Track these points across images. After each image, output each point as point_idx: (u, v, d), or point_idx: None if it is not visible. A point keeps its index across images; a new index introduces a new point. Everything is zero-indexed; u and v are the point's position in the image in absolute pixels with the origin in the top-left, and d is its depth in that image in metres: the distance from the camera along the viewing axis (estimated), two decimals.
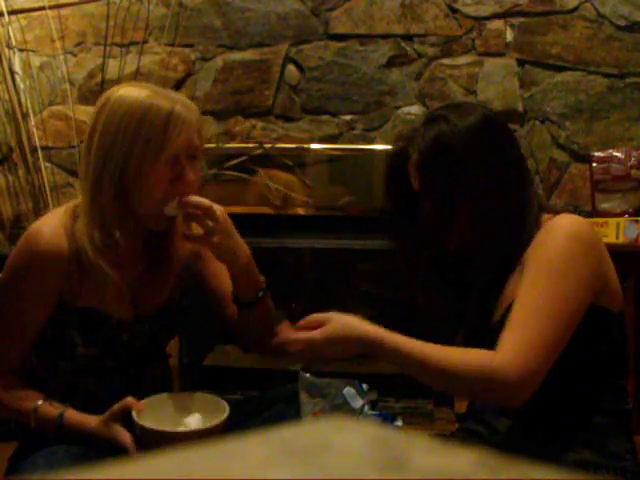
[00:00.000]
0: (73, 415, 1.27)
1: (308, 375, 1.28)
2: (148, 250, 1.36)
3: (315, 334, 1.17)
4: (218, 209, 1.27)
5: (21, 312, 1.31)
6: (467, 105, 1.50)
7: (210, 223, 1.25)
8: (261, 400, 1.43)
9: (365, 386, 1.31)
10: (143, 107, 1.23)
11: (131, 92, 1.26)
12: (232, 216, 2.66)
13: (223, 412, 1.24)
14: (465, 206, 1.21)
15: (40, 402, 1.28)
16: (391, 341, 1.14)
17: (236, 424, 1.32)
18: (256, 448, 0.37)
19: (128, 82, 1.37)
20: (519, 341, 1.09)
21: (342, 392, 1.28)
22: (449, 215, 1.22)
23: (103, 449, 1.24)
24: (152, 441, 1.20)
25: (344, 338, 1.17)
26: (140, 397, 1.29)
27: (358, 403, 1.26)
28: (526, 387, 1.08)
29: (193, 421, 1.27)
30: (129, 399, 1.23)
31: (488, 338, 1.16)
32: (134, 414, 1.21)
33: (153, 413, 1.26)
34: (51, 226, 1.29)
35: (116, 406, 1.23)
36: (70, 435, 1.26)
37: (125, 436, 1.21)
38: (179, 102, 1.25)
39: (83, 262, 1.27)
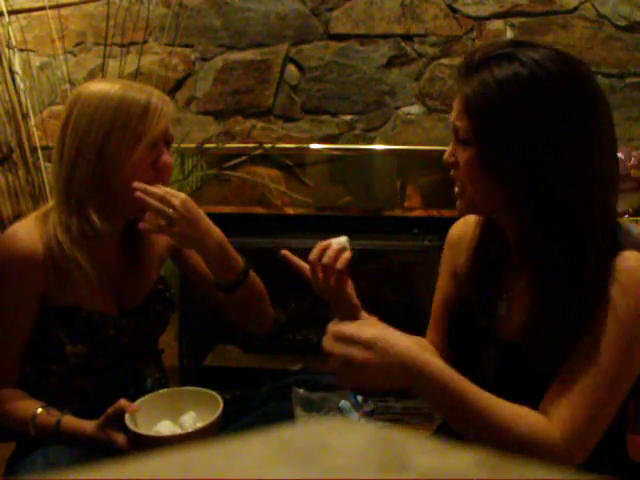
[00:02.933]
0: (70, 422, 1.28)
1: (302, 390, 1.27)
2: (125, 243, 1.38)
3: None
4: (177, 197, 1.27)
5: (7, 317, 1.32)
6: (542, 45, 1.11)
7: (169, 211, 1.26)
8: (252, 398, 1.44)
9: (360, 398, 1.29)
10: (117, 98, 1.27)
11: (103, 86, 1.30)
12: (232, 216, 2.67)
13: (217, 407, 1.25)
14: (522, 172, 1.00)
15: (38, 411, 1.29)
16: (435, 368, 0.96)
17: (227, 423, 1.32)
18: (256, 448, 0.37)
19: (99, 79, 1.40)
20: (583, 418, 0.96)
21: (338, 406, 1.27)
22: (494, 176, 1.02)
23: (102, 449, 1.25)
24: (146, 446, 1.20)
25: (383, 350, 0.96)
26: (136, 394, 1.29)
27: (354, 416, 1.25)
28: (576, 461, 0.97)
29: (188, 420, 1.27)
30: (122, 401, 1.23)
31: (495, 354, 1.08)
32: (126, 419, 1.21)
33: (147, 413, 1.26)
34: (26, 229, 1.31)
35: (110, 410, 1.23)
36: (68, 441, 1.27)
37: (120, 439, 1.22)
38: (155, 95, 1.29)
39: (58, 260, 1.28)
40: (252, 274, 1.43)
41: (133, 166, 1.27)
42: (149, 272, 1.42)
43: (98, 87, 1.30)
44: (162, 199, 1.25)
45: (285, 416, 1.26)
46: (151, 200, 1.25)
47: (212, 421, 1.22)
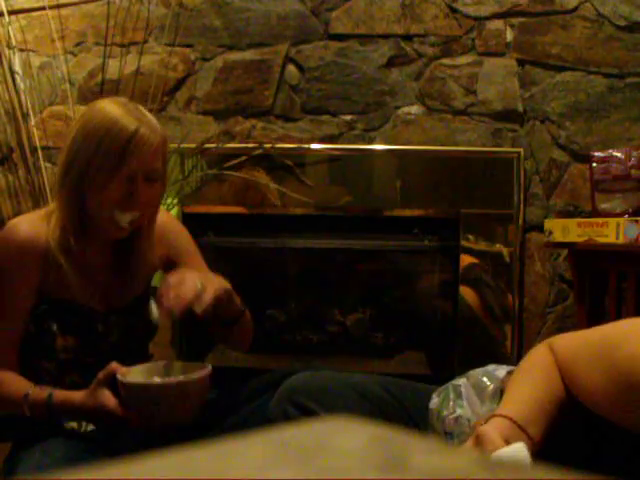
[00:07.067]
0: (61, 394, 1.31)
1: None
2: (116, 246, 1.42)
3: None
4: (207, 295, 1.25)
5: (5, 304, 1.36)
6: None
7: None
8: (240, 394, 1.45)
9: None
10: (109, 123, 1.29)
11: (107, 107, 1.32)
12: (232, 216, 2.67)
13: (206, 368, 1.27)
14: None
15: (30, 388, 1.32)
16: None
17: (220, 418, 1.34)
18: (256, 448, 0.37)
19: (115, 97, 1.44)
20: None
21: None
22: None
23: (99, 447, 1.26)
24: (137, 398, 1.23)
25: None
26: None
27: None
28: None
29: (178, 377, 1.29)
30: (113, 364, 1.26)
31: None
32: (118, 375, 1.24)
33: (138, 377, 1.28)
34: (28, 220, 1.38)
35: (100, 374, 1.26)
36: (62, 414, 1.31)
37: (110, 400, 1.24)
38: (145, 124, 1.30)
39: (55, 257, 1.34)
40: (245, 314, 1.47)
41: (106, 196, 1.30)
42: (138, 276, 1.45)
43: (102, 107, 1.33)
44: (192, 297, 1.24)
45: (270, 415, 1.26)
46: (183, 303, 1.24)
47: (204, 374, 1.24)
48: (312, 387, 1.23)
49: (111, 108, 1.32)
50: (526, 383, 1.07)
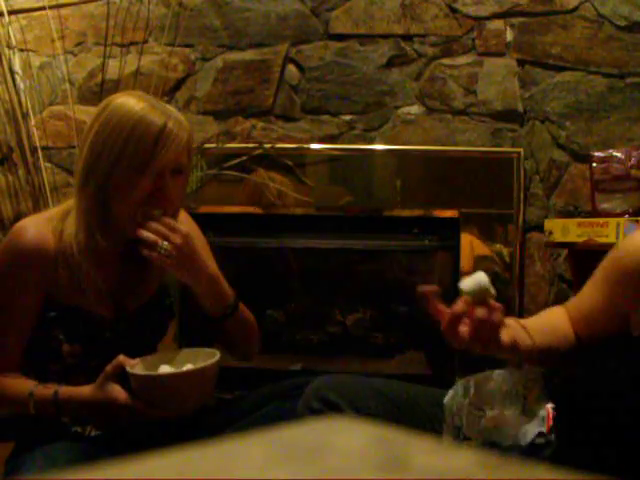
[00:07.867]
0: (67, 390, 1.28)
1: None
2: (129, 250, 1.38)
3: None
4: (177, 233, 1.28)
5: (10, 308, 1.33)
6: None
7: (165, 245, 1.27)
8: (257, 397, 1.44)
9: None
10: (135, 119, 1.24)
11: (128, 102, 1.27)
12: (232, 216, 2.67)
13: (215, 356, 1.27)
14: None
15: (35, 387, 1.29)
16: None
17: (232, 421, 1.33)
18: (256, 448, 0.37)
19: (130, 91, 1.38)
20: None
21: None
22: None
23: (102, 451, 1.25)
24: (149, 389, 1.22)
25: None
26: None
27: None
28: None
29: (188, 366, 1.29)
30: (120, 357, 1.24)
31: None
32: (128, 368, 1.23)
33: (146, 369, 1.27)
34: (36, 223, 1.33)
35: (108, 367, 1.24)
36: (69, 410, 1.28)
37: (121, 394, 1.22)
38: (172, 119, 1.26)
39: (68, 260, 1.30)
40: (241, 307, 1.46)
41: (134, 192, 1.26)
42: (149, 279, 1.43)
43: (124, 103, 1.28)
44: (160, 233, 1.27)
45: (286, 417, 1.25)
46: (147, 234, 1.26)
47: (213, 363, 1.23)
48: (335, 383, 1.27)
49: (133, 103, 1.26)
50: (537, 316, 1.30)
